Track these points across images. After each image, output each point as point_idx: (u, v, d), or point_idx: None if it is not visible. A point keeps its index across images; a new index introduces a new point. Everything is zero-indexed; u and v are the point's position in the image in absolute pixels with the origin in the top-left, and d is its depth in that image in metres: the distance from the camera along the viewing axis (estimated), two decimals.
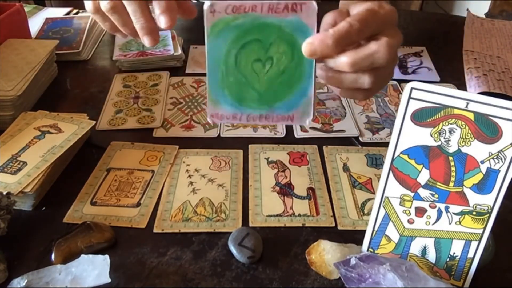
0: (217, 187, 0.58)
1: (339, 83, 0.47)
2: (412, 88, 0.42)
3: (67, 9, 1.05)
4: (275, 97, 0.49)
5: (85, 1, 0.51)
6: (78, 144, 0.64)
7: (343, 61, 0.44)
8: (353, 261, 0.44)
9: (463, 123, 0.41)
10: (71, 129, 0.62)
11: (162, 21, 0.47)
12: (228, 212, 0.55)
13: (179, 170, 0.61)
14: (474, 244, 0.44)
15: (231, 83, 0.48)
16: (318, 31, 0.46)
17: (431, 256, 0.46)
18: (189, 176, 0.60)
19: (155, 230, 0.52)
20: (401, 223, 0.46)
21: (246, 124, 0.48)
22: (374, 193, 0.58)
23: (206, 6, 0.45)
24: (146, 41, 0.49)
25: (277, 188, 0.59)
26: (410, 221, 0.45)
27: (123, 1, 0.48)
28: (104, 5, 0.48)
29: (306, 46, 0.44)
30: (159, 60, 0.83)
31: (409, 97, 0.42)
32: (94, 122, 0.65)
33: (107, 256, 0.46)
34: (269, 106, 0.50)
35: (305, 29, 0.46)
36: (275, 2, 0.46)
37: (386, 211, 0.46)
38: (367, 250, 0.48)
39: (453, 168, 0.43)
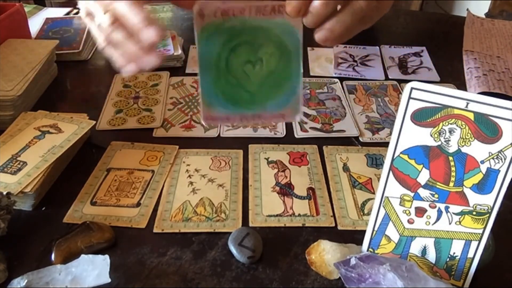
0: (217, 187, 0.58)
1: (343, 25, 0.45)
2: (412, 88, 0.42)
3: (67, 9, 1.05)
4: (266, 96, 0.50)
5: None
6: (78, 144, 0.64)
7: (316, 4, 0.43)
8: (353, 261, 0.44)
9: (463, 123, 0.41)
10: (71, 129, 0.62)
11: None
12: (228, 212, 0.55)
13: (179, 170, 0.61)
14: (474, 244, 0.44)
15: (223, 85, 0.49)
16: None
17: (431, 256, 0.46)
18: (189, 176, 0.60)
19: (155, 230, 0.52)
20: (401, 223, 0.46)
21: (240, 125, 0.50)
22: (374, 193, 0.58)
23: (195, 10, 0.46)
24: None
25: (277, 188, 0.59)
26: (410, 221, 0.45)
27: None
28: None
29: (289, 5, 0.44)
30: None
31: (409, 97, 0.42)
32: (94, 122, 0.65)
33: (107, 256, 0.46)
34: (261, 105, 0.50)
35: (291, 30, 0.47)
36: (263, 4, 0.46)
37: (386, 211, 0.46)
38: (367, 250, 0.48)
39: (453, 168, 0.43)
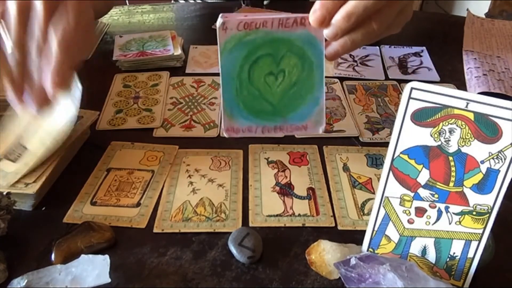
0: (217, 187, 0.58)
1: (353, 43, 0.47)
2: (412, 88, 0.42)
3: None
4: (289, 108, 0.51)
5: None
6: (78, 144, 0.64)
7: (339, 17, 0.45)
8: (353, 261, 0.44)
9: (463, 123, 0.41)
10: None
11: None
12: (228, 212, 0.55)
13: (179, 170, 0.61)
14: (474, 244, 0.44)
15: (245, 97, 0.50)
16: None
17: (431, 256, 0.46)
18: (189, 176, 0.60)
19: (155, 230, 0.52)
20: (401, 223, 0.46)
21: (262, 136, 0.50)
22: (374, 193, 0.58)
23: (218, 23, 0.46)
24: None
25: (277, 188, 0.59)
26: (410, 221, 0.45)
27: None
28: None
29: (313, 15, 0.46)
30: (159, 60, 0.83)
31: (409, 97, 0.42)
32: (91, 119, 0.65)
33: (107, 256, 0.46)
34: (283, 117, 0.51)
35: (314, 41, 0.48)
36: (285, 17, 0.47)
37: (386, 211, 0.46)
38: (367, 250, 0.48)
39: (453, 168, 0.43)
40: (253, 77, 0.49)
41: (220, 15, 0.47)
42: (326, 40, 0.48)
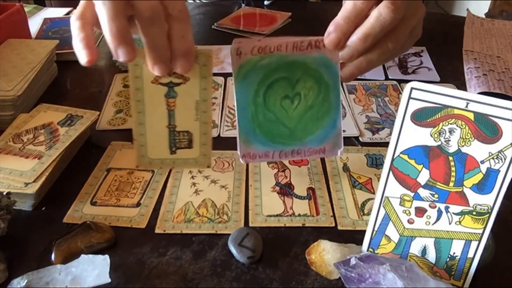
0: (219, 189, 0.58)
1: (369, 64, 0.47)
2: (412, 88, 0.42)
3: (67, 9, 1.05)
4: (306, 131, 0.50)
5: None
6: (78, 144, 0.64)
7: (355, 39, 0.45)
8: (353, 261, 0.44)
9: (463, 123, 0.41)
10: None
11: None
12: (230, 214, 0.55)
13: (182, 170, 0.61)
14: (474, 244, 0.44)
15: (261, 122, 0.49)
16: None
17: (431, 256, 0.46)
18: (192, 177, 0.60)
19: (157, 231, 0.52)
20: (401, 223, 0.46)
21: (279, 161, 0.49)
22: (374, 193, 0.58)
23: (232, 49, 0.46)
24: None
25: (277, 188, 0.59)
26: (410, 221, 0.45)
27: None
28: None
29: (328, 37, 0.46)
30: None
31: (409, 97, 0.42)
32: (91, 120, 0.64)
33: (107, 256, 0.46)
34: (301, 141, 0.50)
35: (329, 63, 0.48)
36: (299, 40, 0.46)
37: (386, 211, 0.46)
38: (367, 250, 0.48)
39: (453, 168, 0.43)
40: (268, 101, 0.48)
41: (234, 40, 0.46)
42: (341, 61, 0.47)
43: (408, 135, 0.43)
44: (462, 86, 0.79)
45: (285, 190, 0.58)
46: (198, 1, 1.17)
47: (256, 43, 0.46)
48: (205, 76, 0.46)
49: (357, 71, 0.48)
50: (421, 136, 0.43)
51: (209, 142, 0.49)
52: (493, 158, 0.41)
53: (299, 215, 0.55)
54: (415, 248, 0.46)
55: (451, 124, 0.41)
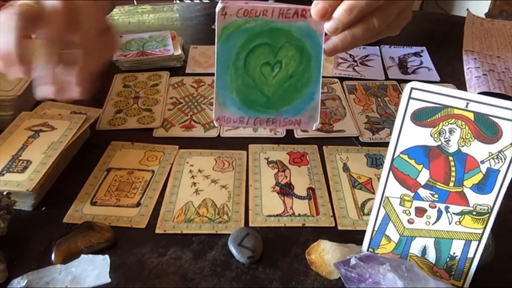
0: (220, 188, 0.58)
1: (353, 39, 0.47)
2: (412, 88, 0.42)
3: None
4: (283, 101, 0.50)
5: None
6: (78, 144, 0.64)
7: (340, 11, 0.45)
8: (353, 261, 0.44)
9: (463, 123, 0.41)
10: (63, 125, 0.61)
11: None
12: (230, 214, 0.55)
13: (182, 170, 0.61)
14: (474, 244, 0.44)
15: (240, 86, 0.48)
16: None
17: (431, 256, 0.46)
18: (192, 176, 0.60)
19: (157, 231, 0.52)
20: (401, 223, 0.46)
21: (252, 127, 0.49)
22: (374, 193, 0.58)
23: (218, 8, 0.45)
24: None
25: (277, 188, 0.59)
26: (410, 221, 0.45)
27: None
28: None
29: (315, 7, 0.46)
30: (159, 60, 0.83)
31: (409, 97, 0.42)
32: (85, 116, 0.64)
33: (107, 256, 0.46)
34: (277, 110, 0.50)
35: (313, 34, 0.47)
36: (286, 7, 0.46)
37: (386, 211, 0.46)
38: (367, 250, 0.48)
39: (453, 168, 0.43)
40: (249, 66, 0.48)
41: (221, 1, 0.46)
42: (326, 34, 0.47)
43: (408, 135, 0.43)
44: (462, 86, 0.79)
45: (285, 190, 0.58)
46: (198, 1, 1.17)
47: (242, 5, 0.46)
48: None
49: (340, 45, 0.48)
50: (421, 136, 0.43)
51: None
52: (493, 158, 0.41)
53: (299, 215, 0.55)
54: (415, 248, 0.46)
55: (451, 124, 0.41)
